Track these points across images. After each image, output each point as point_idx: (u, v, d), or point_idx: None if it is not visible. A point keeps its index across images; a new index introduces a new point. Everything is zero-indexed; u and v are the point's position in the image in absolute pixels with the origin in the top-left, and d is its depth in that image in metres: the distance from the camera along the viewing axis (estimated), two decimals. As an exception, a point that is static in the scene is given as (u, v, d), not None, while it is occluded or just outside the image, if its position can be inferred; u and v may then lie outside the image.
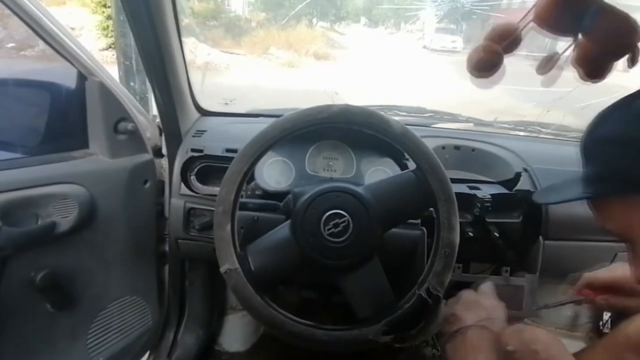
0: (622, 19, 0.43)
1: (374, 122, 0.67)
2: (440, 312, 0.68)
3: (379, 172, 0.97)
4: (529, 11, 0.45)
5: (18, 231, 0.77)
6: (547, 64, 0.49)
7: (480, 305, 0.68)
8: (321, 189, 0.67)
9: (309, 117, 0.67)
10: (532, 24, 0.46)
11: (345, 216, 0.64)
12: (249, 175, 0.68)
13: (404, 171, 0.83)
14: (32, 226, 0.80)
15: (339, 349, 0.64)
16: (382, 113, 0.68)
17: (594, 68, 0.46)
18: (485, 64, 0.48)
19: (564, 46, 0.47)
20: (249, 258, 0.66)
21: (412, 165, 0.95)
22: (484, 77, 0.49)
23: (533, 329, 0.60)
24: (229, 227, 0.65)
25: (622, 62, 0.47)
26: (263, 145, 0.67)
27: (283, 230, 0.68)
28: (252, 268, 0.65)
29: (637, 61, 0.44)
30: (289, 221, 0.68)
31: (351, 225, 0.64)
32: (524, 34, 0.48)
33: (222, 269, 0.64)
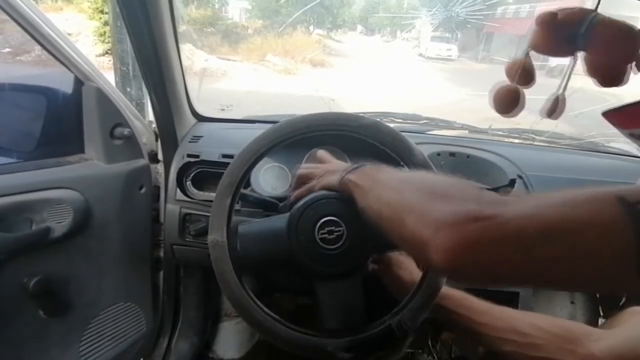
0: (617, 30, 0.44)
1: (400, 146, 0.69)
2: (404, 348, 0.69)
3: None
4: (529, 42, 0.47)
5: (12, 236, 0.77)
6: (555, 107, 0.50)
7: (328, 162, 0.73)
8: (322, 194, 0.67)
9: (339, 120, 0.70)
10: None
11: (341, 225, 0.64)
12: (262, 159, 0.69)
13: None
14: (26, 231, 0.79)
15: (296, 351, 0.64)
16: (408, 139, 0.70)
17: (608, 75, 0.47)
18: (507, 104, 0.50)
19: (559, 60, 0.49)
20: (238, 236, 0.66)
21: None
22: (510, 114, 0.51)
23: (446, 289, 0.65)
24: (229, 200, 0.66)
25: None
26: (290, 134, 0.69)
27: (279, 220, 0.68)
28: (238, 247, 0.65)
29: None
30: (287, 214, 0.68)
31: (345, 235, 0.64)
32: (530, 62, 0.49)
33: (210, 238, 0.65)
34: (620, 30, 0.44)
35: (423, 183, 0.46)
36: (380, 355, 0.66)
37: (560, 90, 0.50)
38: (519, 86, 0.49)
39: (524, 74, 0.48)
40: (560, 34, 0.44)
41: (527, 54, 0.48)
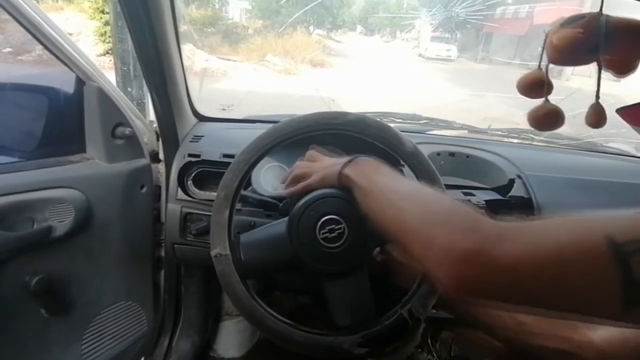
0: (631, 28, 0.44)
1: (387, 136, 0.69)
2: (419, 335, 0.69)
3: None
4: (541, 55, 0.47)
5: (13, 235, 0.77)
6: (597, 115, 0.50)
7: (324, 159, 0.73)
8: (321, 193, 0.67)
9: (324, 120, 0.70)
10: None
11: (341, 223, 0.64)
12: (254, 167, 0.69)
13: None
14: (27, 230, 0.80)
15: (313, 353, 0.65)
16: (396, 130, 0.71)
17: (625, 69, 0.47)
18: (552, 121, 0.50)
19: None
20: (240, 246, 0.66)
21: (407, 171, 0.96)
22: (556, 129, 0.51)
23: None
24: (227, 212, 0.67)
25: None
26: (274, 141, 0.69)
27: (279, 226, 0.68)
28: (242, 257, 0.66)
29: None
30: (286, 218, 0.69)
31: (346, 233, 0.64)
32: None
33: (213, 253, 0.65)
34: (633, 28, 0.44)
35: (424, 205, 0.48)
36: (397, 346, 0.67)
37: (594, 100, 0.50)
38: (557, 106, 0.49)
39: (548, 87, 0.49)
40: (581, 47, 0.44)
41: (545, 68, 0.48)
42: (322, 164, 0.71)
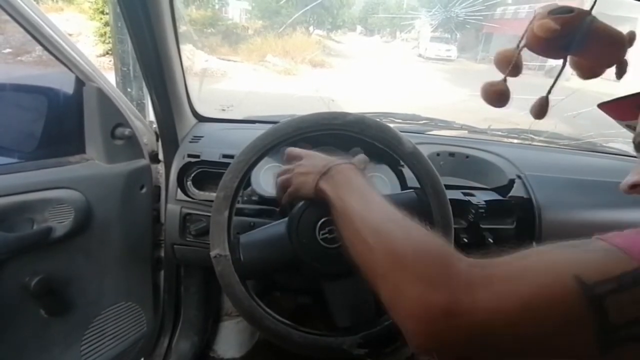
0: (608, 38, 0.45)
1: (387, 137, 0.69)
2: None
3: (375, 178, 0.98)
4: (522, 36, 0.48)
5: (13, 236, 0.77)
6: (541, 108, 0.52)
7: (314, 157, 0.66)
8: None
9: (324, 120, 0.70)
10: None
11: None
12: (254, 167, 0.69)
13: (405, 191, 0.84)
14: (27, 231, 0.80)
15: (313, 354, 0.65)
16: (396, 130, 0.70)
17: (589, 74, 0.49)
18: (497, 100, 0.51)
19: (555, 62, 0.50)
20: (240, 247, 0.66)
21: (407, 171, 0.96)
22: (500, 107, 0.52)
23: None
24: (226, 213, 0.66)
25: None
26: (274, 141, 0.69)
27: (279, 227, 0.69)
28: (242, 258, 0.66)
29: (624, 73, 0.47)
30: (286, 219, 0.69)
31: None
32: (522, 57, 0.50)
33: (212, 253, 0.65)
34: (611, 38, 0.45)
35: (392, 245, 0.44)
36: (396, 347, 0.66)
37: (546, 93, 0.51)
38: (505, 84, 0.51)
39: (515, 68, 0.49)
40: (557, 41, 0.45)
41: (520, 50, 0.49)
42: (301, 168, 0.66)
